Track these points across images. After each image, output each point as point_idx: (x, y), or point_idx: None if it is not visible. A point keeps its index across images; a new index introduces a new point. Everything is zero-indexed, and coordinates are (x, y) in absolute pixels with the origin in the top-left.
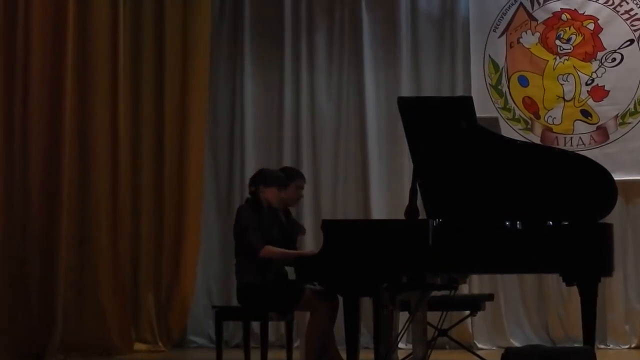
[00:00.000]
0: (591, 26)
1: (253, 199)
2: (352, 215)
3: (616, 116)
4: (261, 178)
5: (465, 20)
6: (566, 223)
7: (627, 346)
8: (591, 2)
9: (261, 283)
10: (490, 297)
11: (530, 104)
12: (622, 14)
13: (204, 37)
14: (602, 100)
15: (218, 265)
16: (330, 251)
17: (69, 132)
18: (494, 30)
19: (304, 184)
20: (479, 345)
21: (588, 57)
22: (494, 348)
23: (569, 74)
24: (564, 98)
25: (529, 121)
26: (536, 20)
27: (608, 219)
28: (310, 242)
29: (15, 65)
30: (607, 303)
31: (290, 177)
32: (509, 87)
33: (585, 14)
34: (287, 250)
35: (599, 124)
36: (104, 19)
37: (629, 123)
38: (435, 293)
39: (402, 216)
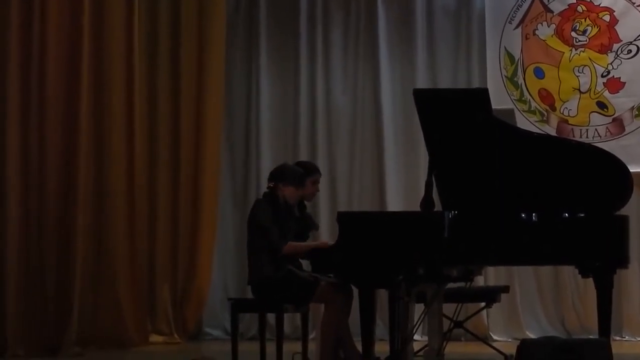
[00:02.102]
0: (607, 18)
1: (270, 194)
2: (367, 207)
3: (632, 108)
4: (280, 176)
5: (480, 12)
6: (582, 215)
7: None
8: None
9: (277, 276)
10: (506, 289)
11: (546, 96)
12: (637, 6)
13: (219, 32)
14: (618, 92)
15: (234, 257)
16: (346, 243)
17: (85, 125)
18: (510, 22)
19: (320, 177)
20: (495, 337)
21: (604, 49)
22: (510, 340)
23: (585, 65)
24: (579, 90)
25: (545, 113)
26: (552, 12)
27: (624, 211)
28: (325, 235)
29: (31, 65)
30: (622, 295)
31: (306, 172)
32: (524, 79)
33: (601, 5)
34: (308, 244)
35: (615, 115)
36: (119, 16)
37: None
38: (450, 285)
39: (417, 208)
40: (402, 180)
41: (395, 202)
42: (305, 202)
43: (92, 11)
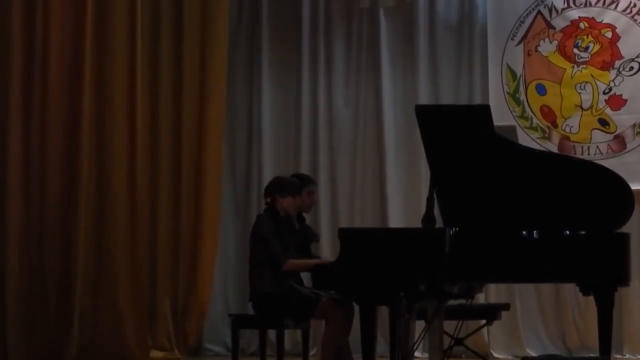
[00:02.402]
0: (609, 34)
1: (270, 209)
2: (369, 222)
3: (634, 125)
4: (276, 188)
5: (483, 27)
6: (583, 232)
7: None
8: (609, 10)
9: (278, 292)
10: (507, 306)
11: (547, 113)
12: None
13: (221, 42)
14: (620, 109)
15: (235, 272)
16: (347, 259)
17: (86, 135)
18: (512, 38)
19: (315, 188)
20: (495, 355)
21: (606, 66)
22: (510, 357)
23: (587, 82)
24: (581, 107)
25: (547, 130)
26: (554, 28)
27: (625, 228)
28: (327, 250)
29: (34, 66)
30: (623, 312)
31: (302, 182)
32: (526, 96)
33: (603, 22)
34: (308, 261)
35: (617, 133)
36: (122, 24)
37: None
38: (451, 302)
39: (419, 224)
40: (403, 195)
41: (396, 217)
42: (305, 215)
43: (95, 16)
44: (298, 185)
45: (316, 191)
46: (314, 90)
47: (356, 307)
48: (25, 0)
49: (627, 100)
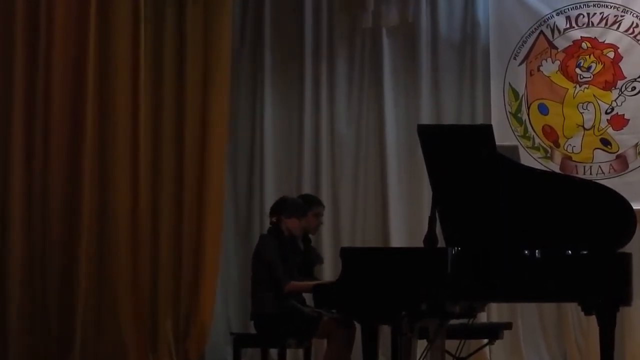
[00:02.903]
0: (611, 54)
1: (274, 229)
2: (371, 242)
3: (636, 145)
4: (281, 208)
5: (485, 47)
6: (585, 252)
7: None
8: (611, 30)
9: (279, 312)
10: (509, 325)
11: (550, 132)
12: None
13: (224, 62)
14: (622, 129)
15: (237, 291)
16: (348, 279)
17: (89, 155)
18: (514, 58)
19: (322, 210)
20: None
21: (608, 86)
22: None
23: (589, 102)
24: (583, 127)
25: (549, 149)
26: (556, 48)
27: (627, 248)
28: (328, 269)
29: (37, 84)
30: (625, 332)
31: (308, 204)
32: (528, 115)
33: (605, 42)
34: (309, 283)
35: (619, 152)
36: (124, 42)
37: None
38: (453, 321)
39: (421, 244)
40: (405, 215)
41: (398, 237)
42: (310, 236)
43: (97, 34)
44: (303, 207)
45: (322, 213)
46: (316, 109)
47: (358, 326)
48: (28, 5)
49: (629, 120)
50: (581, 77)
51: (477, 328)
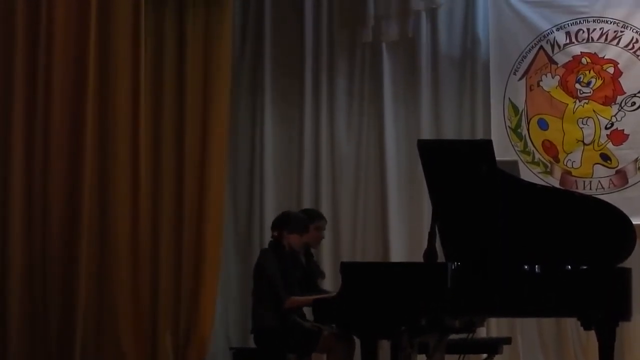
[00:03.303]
0: (611, 70)
1: (275, 243)
2: (371, 256)
3: (635, 160)
4: (283, 223)
5: (485, 62)
6: (585, 267)
7: None
8: (611, 45)
9: (280, 326)
10: (508, 340)
11: (549, 147)
12: None
13: (224, 79)
14: (622, 144)
15: (236, 305)
16: (348, 293)
17: (89, 170)
18: (514, 73)
19: (325, 224)
20: None
21: (608, 101)
22: None
23: (589, 117)
24: (583, 142)
25: (549, 165)
26: (556, 63)
27: (627, 263)
28: (328, 284)
29: (37, 99)
30: (625, 347)
31: (310, 218)
32: (528, 130)
33: (605, 57)
34: (309, 297)
35: (618, 167)
36: (124, 57)
37: None
38: (453, 336)
39: (421, 259)
40: (405, 230)
41: (398, 252)
42: (312, 250)
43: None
44: (305, 222)
45: (324, 227)
46: (316, 124)
47: (357, 341)
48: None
49: (628, 135)
50: (581, 92)
51: (476, 343)
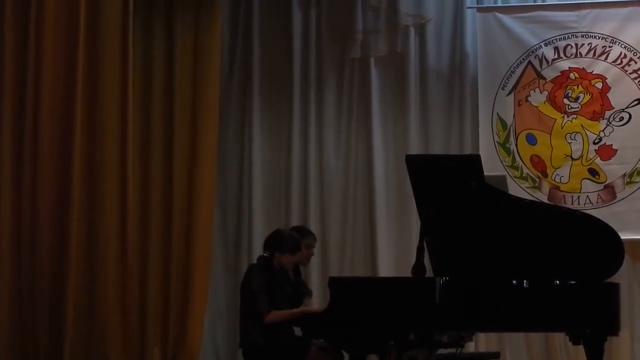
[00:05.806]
0: (599, 85)
1: (265, 260)
2: (359, 271)
3: (624, 175)
4: (277, 245)
5: (473, 77)
6: (573, 282)
7: None
8: (600, 61)
9: (267, 341)
10: (497, 355)
11: (538, 162)
12: (630, 73)
13: (213, 93)
14: (610, 159)
15: (225, 321)
16: (337, 308)
17: (78, 180)
18: (503, 88)
19: (314, 242)
20: None
21: (596, 116)
22: None
23: (577, 132)
24: (571, 157)
25: (537, 179)
26: (544, 78)
27: (615, 278)
28: (317, 299)
29: (25, 112)
30: None
31: (300, 235)
32: (516, 145)
33: (593, 72)
34: (291, 311)
35: (607, 182)
36: (113, 75)
37: (637, 182)
38: (441, 350)
39: (409, 274)
40: (394, 245)
41: (386, 267)
42: (300, 268)
43: (86, 62)
44: (298, 243)
45: (314, 244)
46: (304, 139)
47: (346, 356)
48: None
49: (617, 150)
50: (569, 107)
51: (465, 357)
